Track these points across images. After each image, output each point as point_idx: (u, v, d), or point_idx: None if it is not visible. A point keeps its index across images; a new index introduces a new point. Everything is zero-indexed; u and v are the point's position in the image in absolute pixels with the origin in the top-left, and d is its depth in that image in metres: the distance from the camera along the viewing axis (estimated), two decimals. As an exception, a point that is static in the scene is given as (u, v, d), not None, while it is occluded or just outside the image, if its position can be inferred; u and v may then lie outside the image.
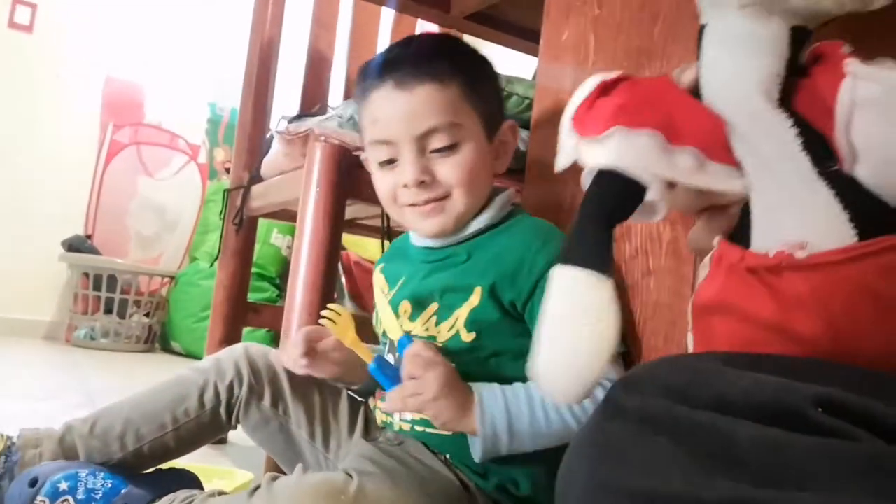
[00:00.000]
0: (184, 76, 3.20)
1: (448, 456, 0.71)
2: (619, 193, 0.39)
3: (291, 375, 0.82)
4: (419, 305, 0.75)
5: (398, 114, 0.72)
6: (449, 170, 0.72)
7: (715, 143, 0.39)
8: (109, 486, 0.72)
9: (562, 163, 0.42)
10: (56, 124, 2.90)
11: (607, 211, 0.40)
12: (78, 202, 2.97)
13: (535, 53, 1.05)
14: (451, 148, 0.72)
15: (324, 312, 0.75)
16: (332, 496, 0.61)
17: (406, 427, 0.74)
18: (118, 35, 3.04)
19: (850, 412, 0.27)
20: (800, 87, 0.37)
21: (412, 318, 0.75)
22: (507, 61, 1.14)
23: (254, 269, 1.57)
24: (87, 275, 2.76)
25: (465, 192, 0.73)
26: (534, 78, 1.01)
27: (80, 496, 0.70)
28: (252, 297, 1.72)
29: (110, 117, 3.05)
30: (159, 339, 2.93)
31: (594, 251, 0.39)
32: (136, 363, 2.47)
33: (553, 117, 0.83)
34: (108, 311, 2.76)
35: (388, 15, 1.56)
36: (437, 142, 0.71)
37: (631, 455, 0.30)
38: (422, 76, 0.71)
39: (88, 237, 2.93)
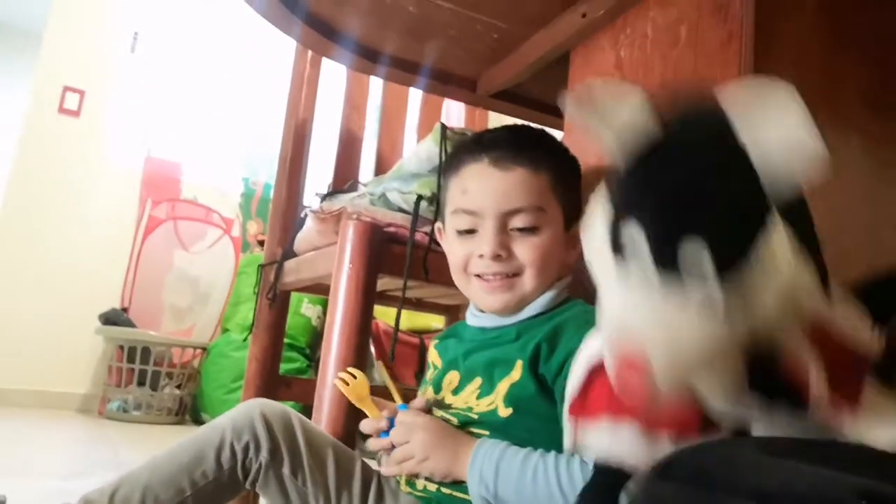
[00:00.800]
0: (219, 153, 3.33)
1: None
2: (614, 473, 0.48)
3: (308, 439, 0.80)
4: (464, 379, 0.77)
5: (490, 189, 0.76)
6: (525, 249, 0.75)
7: (689, 422, 0.43)
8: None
9: (568, 447, 0.49)
10: (98, 202, 3.02)
11: (611, 485, 0.48)
12: (115, 276, 3.05)
13: (559, 128, 1.08)
14: (531, 230, 0.75)
15: (339, 374, 0.78)
16: None
17: (432, 488, 0.74)
18: (158, 117, 3.20)
19: (894, 507, 0.27)
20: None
21: (456, 391, 0.77)
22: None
23: (284, 340, 1.59)
24: (121, 347, 2.80)
25: (536, 273, 0.75)
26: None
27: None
28: (282, 367, 1.72)
29: (149, 194, 3.17)
30: (190, 411, 2.93)
31: None
32: (166, 435, 2.47)
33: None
34: (141, 383, 2.79)
35: (416, 95, 1.62)
36: (520, 221, 0.75)
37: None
38: (519, 159, 0.76)
39: (125, 310, 3.00)
